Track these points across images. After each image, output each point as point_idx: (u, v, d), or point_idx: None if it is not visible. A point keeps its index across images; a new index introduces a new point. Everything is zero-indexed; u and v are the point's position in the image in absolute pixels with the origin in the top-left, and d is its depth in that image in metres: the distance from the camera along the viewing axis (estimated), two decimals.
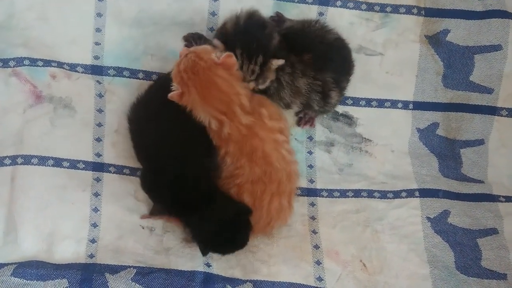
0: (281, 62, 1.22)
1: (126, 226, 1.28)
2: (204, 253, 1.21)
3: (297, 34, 1.31)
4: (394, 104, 1.47)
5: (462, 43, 1.46)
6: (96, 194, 1.29)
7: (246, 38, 1.20)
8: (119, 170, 1.32)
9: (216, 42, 1.22)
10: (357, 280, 1.28)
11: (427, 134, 1.48)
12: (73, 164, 1.29)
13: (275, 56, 1.22)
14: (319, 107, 1.35)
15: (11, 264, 1.17)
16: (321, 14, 1.43)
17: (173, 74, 1.19)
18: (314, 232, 1.34)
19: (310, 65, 1.29)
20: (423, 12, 1.46)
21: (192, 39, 1.35)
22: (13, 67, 1.32)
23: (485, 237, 1.36)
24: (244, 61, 1.20)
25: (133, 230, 1.28)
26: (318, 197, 1.39)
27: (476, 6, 1.46)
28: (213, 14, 1.39)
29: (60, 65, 1.34)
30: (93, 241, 1.25)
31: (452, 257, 1.33)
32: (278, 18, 1.40)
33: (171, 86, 1.18)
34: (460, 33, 1.46)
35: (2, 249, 1.20)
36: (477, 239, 1.36)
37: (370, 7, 1.44)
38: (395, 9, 1.45)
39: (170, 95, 1.16)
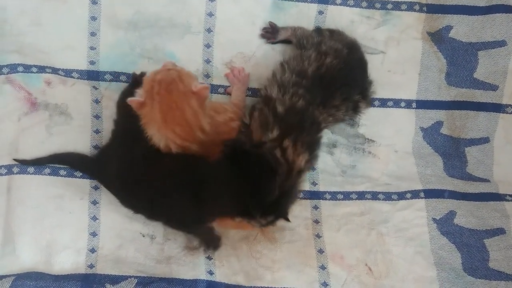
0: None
1: (126, 235, 1.25)
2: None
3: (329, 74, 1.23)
4: (397, 103, 1.44)
5: (465, 40, 1.43)
6: (95, 202, 1.26)
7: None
8: None
9: None
10: (363, 284, 1.26)
11: (431, 133, 1.45)
12: (70, 172, 1.27)
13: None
14: (351, 118, 1.36)
15: (10, 276, 1.15)
16: (320, 12, 1.40)
17: (145, 79, 1.11)
18: (318, 236, 1.31)
19: (342, 100, 1.25)
20: (425, 8, 1.43)
21: None
22: (7, 74, 1.29)
23: (492, 238, 1.34)
24: (254, 213, 1.14)
25: (134, 239, 1.25)
26: (321, 200, 1.36)
27: (479, 1, 1.43)
28: (210, 15, 1.36)
29: (55, 71, 1.31)
30: (92, 250, 1.23)
31: (459, 258, 1.31)
32: (272, 30, 1.38)
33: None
34: (463, 29, 1.43)
35: (0, 261, 1.18)
36: (484, 240, 1.34)
37: (371, 5, 1.41)
38: (396, 6, 1.42)
39: (130, 99, 1.08)
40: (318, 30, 1.38)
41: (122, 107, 1.20)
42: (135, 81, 1.27)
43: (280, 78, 1.22)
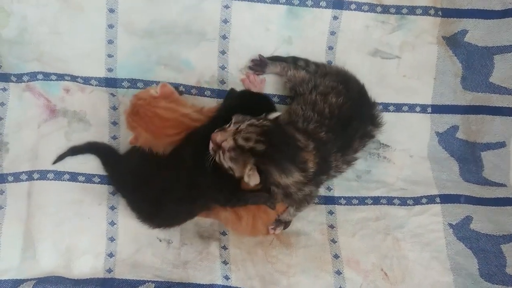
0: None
1: (143, 239, 1.27)
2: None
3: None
4: (412, 108, 1.44)
5: (481, 44, 1.43)
6: (112, 208, 1.28)
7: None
8: None
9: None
10: None
11: (446, 138, 1.45)
12: (89, 178, 1.29)
13: None
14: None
15: (31, 280, 1.18)
16: (335, 18, 1.40)
17: (125, 121, 1.22)
18: (334, 241, 1.32)
19: (360, 140, 1.26)
20: (440, 12, 1.43)
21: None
22: (27, 81, 1.32)
23: (509, 243, 1.33)
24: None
25: (150, 243, 1.27)
26: (336, 205, 1.37)
27: (494, 5, 1.42)
28: (225, 21, 1.37)
29: (73, 78, 1.33)
30: (111, 255, 1.25)
31: (475, 264, 1.31)
32: (260, 62, 1.38)
33: None
34: (479, 33, 1.42)
35: (21, 265, 1.21)
36: (501, 245, 1.33)
37: (386, 9, 1.41)
38: (411, 10, 1.42)
39: (130, 141, 1.20)
40: (305, 61, 1.39)
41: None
42: None
43: (302, 114, 1.22)
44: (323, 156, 1.15)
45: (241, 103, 1.22)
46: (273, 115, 1.10)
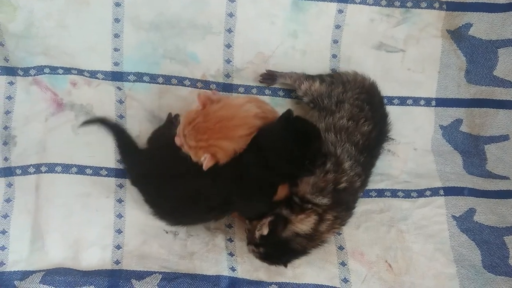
0: None
1: (150, 231, 1.28)
2: None
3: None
4: (416, 101, 1.45)
5: (485, 37, 1.43)
6: (120, 200, 1.30)
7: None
8: None
9: None
10: (382, 280, 1.27)
11: (450, 131, 1.46)
12: (96, 171, 1.30)
13: None
14: None
15: (40, 271, 1.20)
16: (340, 11, 1.41)
17: (190, 151, 1.10)
18: (338, 233, 1.33)
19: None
20: (444, 6, 1.43)
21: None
22: (34, 75, 1.33)
23: None
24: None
25: (157, 235, 1.29)
26: None
27: None
28: (231, 15, 1.38)
29: (80, 72, 1.34)
30: (118, 247, 1.26)
31: (479, 255, 1.32)
32: (269, 76, 1.39)
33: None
34: (483, 26, 1.43)
35: (29, 257, 1.23)
36: (504, 237, 1.34)
37: (390, 3, 1.42)
38: (416, 3, 1.42)
39: (205, 166, 1.07)
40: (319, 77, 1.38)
41: (154, 142, 1.29)
42: (169, 121, 1.33)
43: (347, 150, 1.22)
44: (349, 207, 1.26)
45: (289, 128, 1.12)
46: (264, 230, 1.16)
